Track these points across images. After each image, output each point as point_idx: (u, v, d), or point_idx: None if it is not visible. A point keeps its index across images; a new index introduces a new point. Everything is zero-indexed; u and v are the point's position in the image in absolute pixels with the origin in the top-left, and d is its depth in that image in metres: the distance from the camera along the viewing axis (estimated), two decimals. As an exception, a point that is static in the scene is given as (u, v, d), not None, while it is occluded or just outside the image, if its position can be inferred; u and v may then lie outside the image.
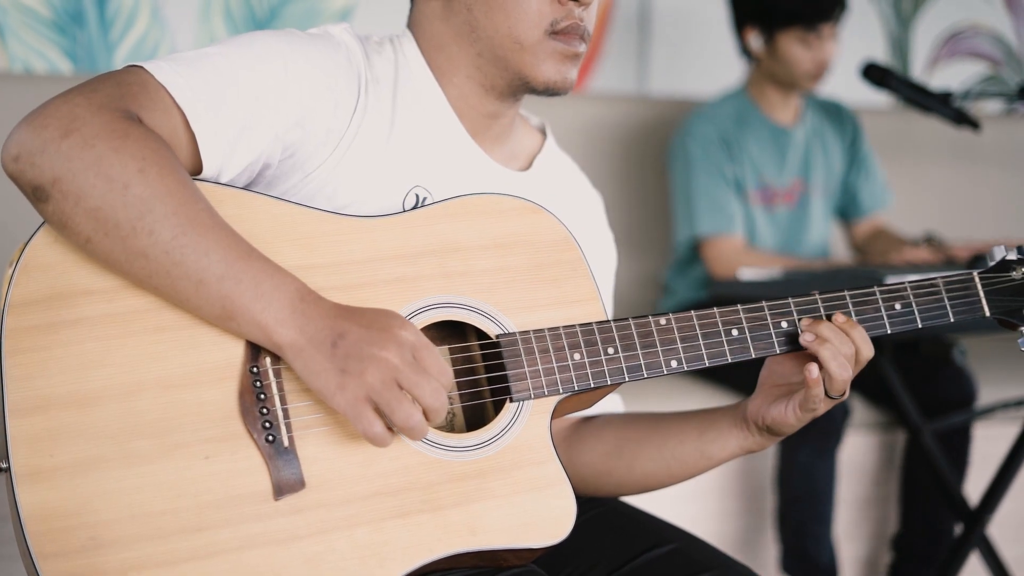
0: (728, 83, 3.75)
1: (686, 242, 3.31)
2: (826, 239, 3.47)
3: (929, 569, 3.02)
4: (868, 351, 1.51)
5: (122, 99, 1.33)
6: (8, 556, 2.31)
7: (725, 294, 2.83)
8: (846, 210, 3.54)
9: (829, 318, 1.52)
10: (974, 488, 3.03)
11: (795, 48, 3.26)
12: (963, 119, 2.99)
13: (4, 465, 1.26)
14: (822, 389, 1.49)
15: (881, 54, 4.12)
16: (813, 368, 1.47)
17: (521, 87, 1.56)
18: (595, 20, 1.58)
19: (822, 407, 1.52)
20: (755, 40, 3.32)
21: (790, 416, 1.53)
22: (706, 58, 3.92)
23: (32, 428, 1.26)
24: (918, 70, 4.21)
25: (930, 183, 4.01)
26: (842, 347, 1.48)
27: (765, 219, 3.34)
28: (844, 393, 1.51)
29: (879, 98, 3.93)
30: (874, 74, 3.13)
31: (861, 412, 3.11)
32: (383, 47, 1.59)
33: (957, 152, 4.00)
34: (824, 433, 2.89)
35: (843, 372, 1.48)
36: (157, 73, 1.37)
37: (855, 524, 3.18)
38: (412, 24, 1.62)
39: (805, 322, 1.50)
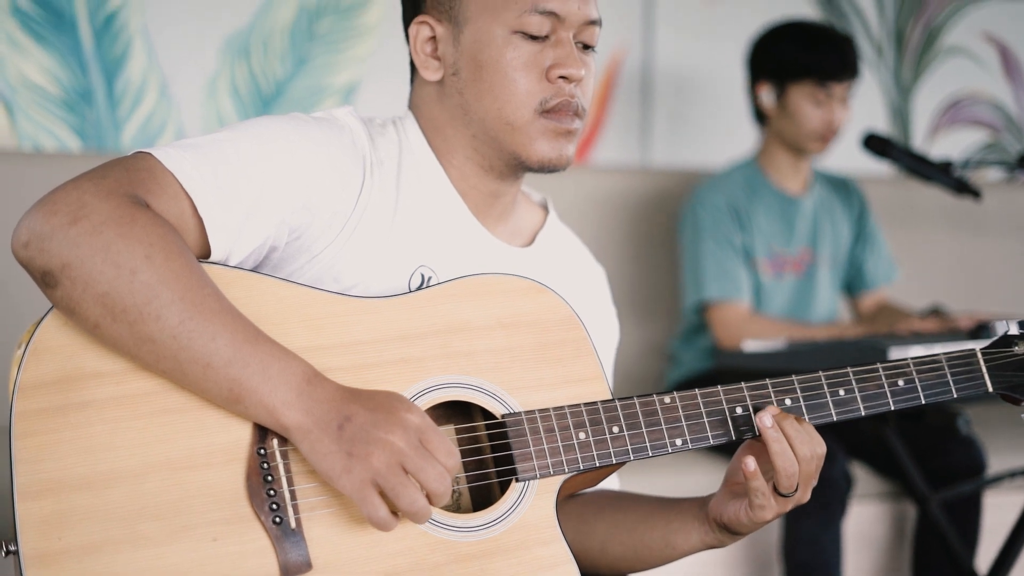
0: (729, 155, 3.78)
1: (693, 307, 3.32)
2: (833, 311, 3.47)
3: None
4: (820, 448, 1.48)
5: (130, 185, 1.35)
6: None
7: (730, 366, 2.84)
8: (852, 284, 3.54)
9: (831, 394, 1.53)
10: (987, 557, 3.01)
11: (805, 104, 3.29)
12: (964, 188, 3.01)
13: (13, 548, 1.27)
14: (762, 482, 1.46)
15: (882, 123, 4.15)
16: (750, 461, 1.45)
17: (518, 166, 1.58)
18: (590, 94, 1.59)
19: (771, 506, 1.48)
20: (767, 95, 3.35)
21: (742, 515, 1.50)
22: (707, 130, 3.95)
23: (41, 511, 1.27)
24: (919, 138, 4.23)
25: (932, 252, 4.02)
26: (801, 446, 1.46)
27: (774, 287, 3.35)
28: (795, 490, 1.48)
29: (881, 167, 3.95)
30: (875, 144, 3.15)
31: (869, 482, 3.09)
32: (386, 129, 1.61)
33: (959, 221, 4.02)
34: (827, 504, 2.88)
35: (790, 468, 1.45)
36: (165, 159, 1.39)
37: (867, 596, 3.16)
38: (412, 106, 1.64)
39: (771, 409, 1.48)
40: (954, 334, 2.83)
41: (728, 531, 1.54)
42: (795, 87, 3.29)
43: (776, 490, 1.48)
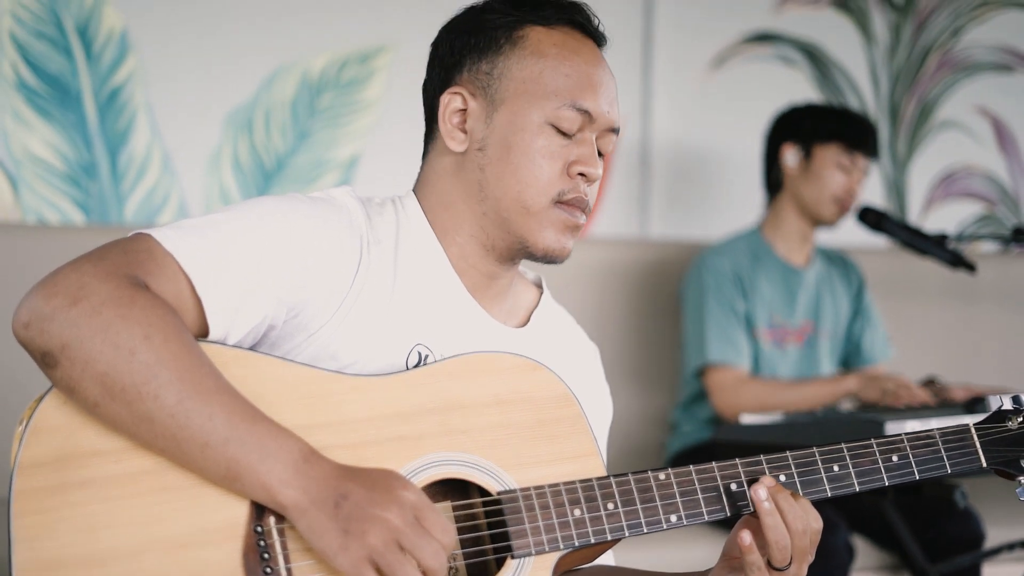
0: (727, 226, 3.81)
1: (694, 371, 3.33)
2: (832, 376, 3.48)
3: None
4: (816, 524, 1.49)
5: (129, 266, 1.37)
6: None
7: (727, 438, 2.85)
8: (848, 359, 3.55)
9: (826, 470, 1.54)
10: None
11: (830, 166, 3.33)
12: (959, 262, 3.04)
13: None
14: (757, 556, 1.47)
15: (878, 196, 4.18)
16: (745, 535, 1.46)
17: (520, 251, 1.61)
18: (596, 195, 1.63)
19: None
20: (792, 156, 3.38)
21: None
22: (703, 203, 3.99)
23: None
24: (915, 211, 4.27)
25: (928, 323, 4.03)
26: (795, 521, 1.46)
27: (776, 356, 3.36)
28: (789, 564, 1.48)
29: (876, 240, 3.98)
30: (870, 218, 3.19)
31: (869, 555, 3.09)
32: (384, 208, 1.63)
33: (954, 293, 4.04)
34: (829, 575, 2.88)
35: (783, 542, 1.46)
36: (163, 240, 1.41)
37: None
38: (420, 183, 1.67)
39: (767, 480, 1.49)
40: (949, 407, 2.84)
41: None
42: (822, 149, 3.35)
43: (771, 565, 1.48)
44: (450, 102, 1.62)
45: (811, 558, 1.50)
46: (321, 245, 1.51)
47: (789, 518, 1.47)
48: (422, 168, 1.68)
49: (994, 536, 3.09)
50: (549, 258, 1.60)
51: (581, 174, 1.59)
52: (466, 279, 1.63)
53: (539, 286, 1.77)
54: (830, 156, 3.34)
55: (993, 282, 4.08)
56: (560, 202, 1.58)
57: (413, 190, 1.67)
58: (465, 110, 1.61)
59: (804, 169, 3.37)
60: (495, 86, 1.60)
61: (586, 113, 1.59)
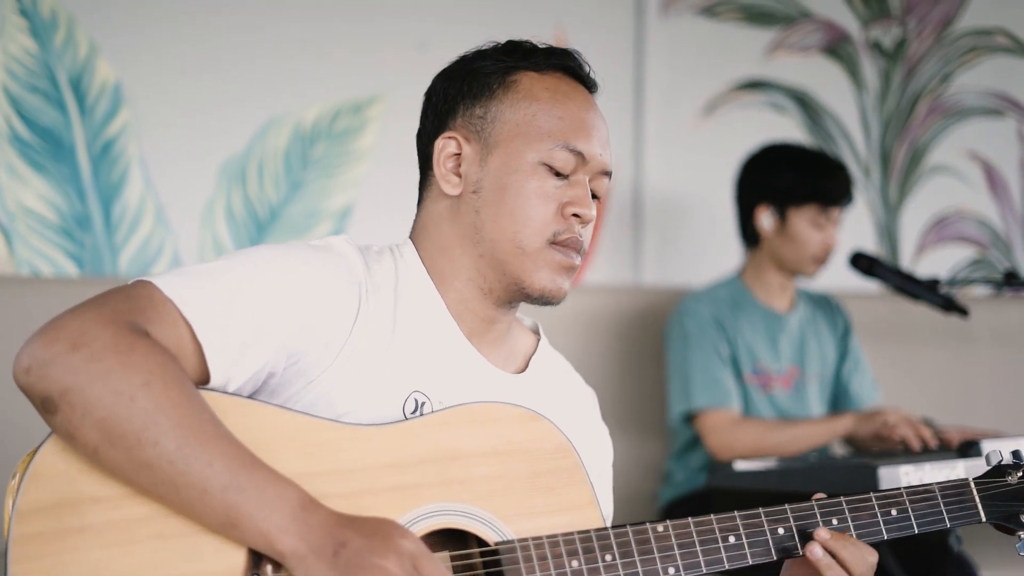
0: (719, 272, 3.82)
1: (679, 417, 3.32)
2: (827, 416, 3.47)
3: None
4: (872, 557, 1.52)
5: (130, 313, 1.38)
6: None
7: (722, 485, 2.84)
8: (837, 402, 3.54)
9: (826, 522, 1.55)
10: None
11: (807, 228, 3.33)
12: (951, 306, 3.05)
13: None
14: None
15: (870, 242, 4.20)
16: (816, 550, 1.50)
17: (516, 293, 1.62)
18: (590, 237, 1.65)
19: None
20: (767, 219, 3.38)
21: None
22: (696, 249, 4.00)
23: None
24: (907, 256, 4.28)
25: (921, 368, 4.04)
26: (857, 566, 1.50)
27: (762, 400, 3.35)
28: None
29: (868, 285, 3.99)
30: (862, 263, 3.20)
31: (864, 600, 3.08)
32: (383, 256, 1.64)
33: (947, 337, 4.04)
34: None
35: None
36: (164, 287, 1.42)
37: None
38: (416, 229, 1.68)
39: (821, 533, 1.51)
40: (943, 451, 2.84)
41: None
42: (797, 212, 3.34)
43: None
44: (444, 147, 1.64)
45: None
46: (320, 292, 1.51)
47: (851, 565, 1.49)
48: (417, 215, 1.69)
49: (989, 580, 3.08)
50: (545, 299, 1.61)
51: (575, 215, 1.60)
52: (464, 324, 1.64)
53: (536, 332, 1.77)
54: (806, 218, 3.33)
55: (986, 325, 4.08)
56: (555, 243, 1.59)
57: (410, 237, 1.68)
58: (459, 154, 1.63)
59: (780, 231, 3.37)
60: (489, 130, 1.61)
61: (579, 155, 1.60)
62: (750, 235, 3.46)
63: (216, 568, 1.35)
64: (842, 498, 1.57)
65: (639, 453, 3.60)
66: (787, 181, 3.37)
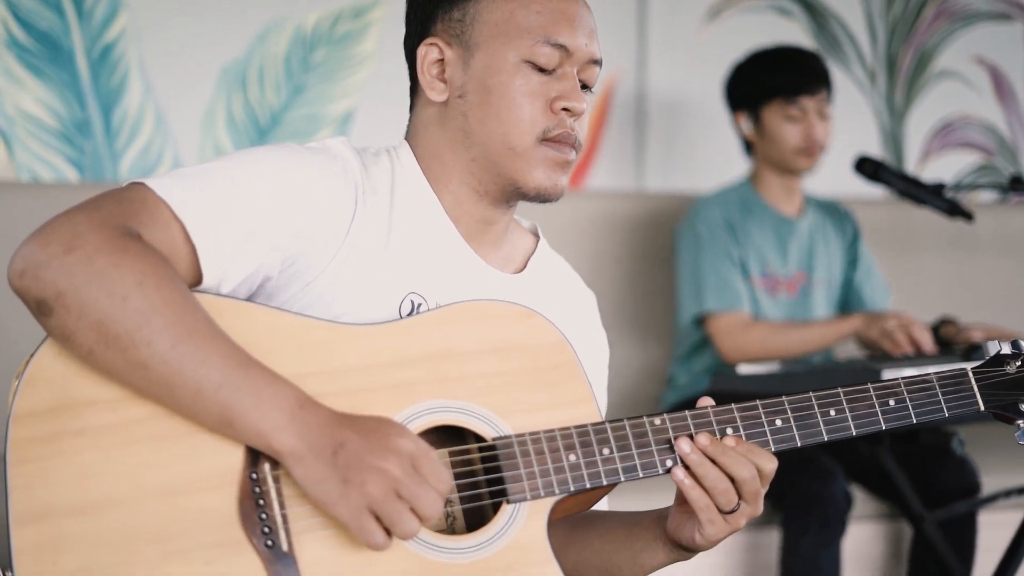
0: (722, 178, 3.80)
1: (691, 319, 3.33)
2: (836, 317, 3.48)
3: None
4: (769, 464, 1.48)
5: (123, 216, 1.37)
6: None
7: (724, 389, 2.85)
8: (848, 307, 3.54)
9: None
10: (981, 577, 3.03)
11: (779, 123, 3.32)
12: (956, 211, 3.03)
13: (10, 574, 1.28)
14: (700, 493, 1.47)
15: (875, 147, 4.17)
16: (677, 471, 1.47)
17: (513, 193, 1.60)
18: (586, 131, 1.62)
19: (720, 523, 1.48)
20: (745, 124, 3.40)
21: (696, 537, 1.51)
22: (699, 155, 3.98)
23: (35, 537, 1.28)
24: (912, 162, 4.26)
25: (926, 274, 4.03)
26: (739, 470, 1.46)
27: (768, 305, 3.36)
28: (736, 506, 1.48)
29: (873, 191, 3.97)
30: (867, 168, 3.18)
31: (865, 503, 3.11)
32: (380, 157, 1.63)
33: (952, 242, 4.03)
34: (827, 523, 2.89)
35: (719, 485, 1.46)
36: (157, 188, 1.41)
37: (865, 616, 3.17)
38: (409, 134, 1.67)
39: (684, 447, 1.47)
40: (948, 355, 2.84)
41: (687, 550, 1.55)
42: (767, 109, 3.34)
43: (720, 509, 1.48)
44: (427, 53, 1.62)
45: (761, 499, 1.50)
46: (316, 194, 1.50)
47: (731, 469, 1.46)
48: (410, 119, 1.68)
49: (989, 484, 3.10)
50: (542, 197, 1.60)
51: (565, 109, 1.57)
52: (461, 226, 1.63)
53: (535, 234, 1.77)
54: (775, 114, 3.33)
55: (991, 231, 4.07)
56: (547, 140, 1.57)
57: (406, 139, 1.67)
58: (443, 60, 1.61)
59: (760, 134, 3.38)
60: (468, 32, 1.59)
61: (562, 48, 1.57)
62: (744, 143, 3.45)
63: (214, 467, 1.35)
64: (839, 389, 1.54)
65: (641, 358, 3.61)
66: (750, 82, 3.38)
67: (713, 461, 1.47)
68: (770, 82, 3.34)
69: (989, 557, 3.01)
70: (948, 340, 3.16)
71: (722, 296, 3.27)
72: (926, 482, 2.99)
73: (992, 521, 3.13)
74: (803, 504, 2.90)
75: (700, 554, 1.60)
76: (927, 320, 3.38)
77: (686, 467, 1.48)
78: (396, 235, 1.57)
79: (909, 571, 3.08)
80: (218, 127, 3.32)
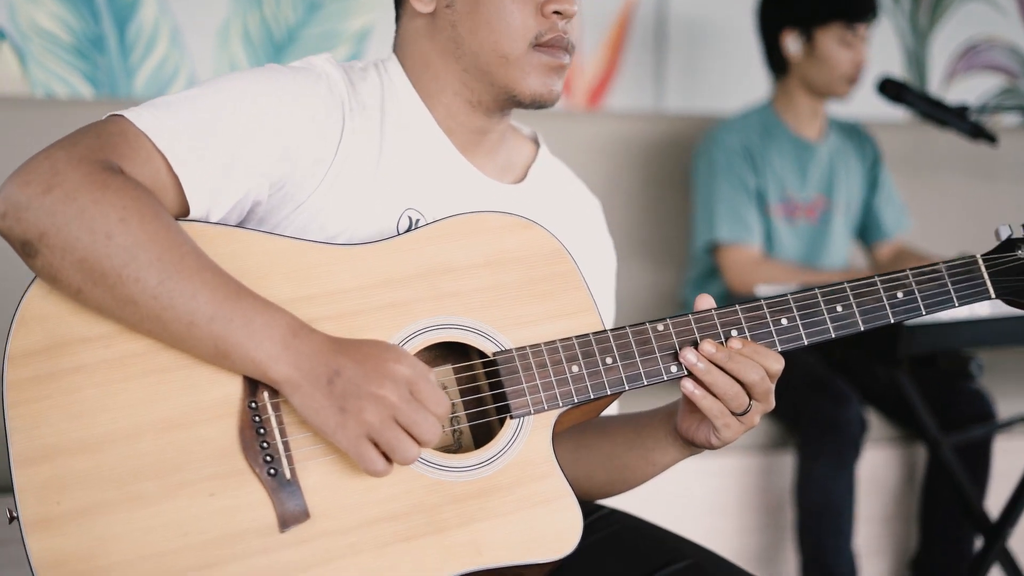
0: (743, 99, 3.76)
1: (704, 247, 3.33)
2: (845, 258, 3.47)
3: (949, 587, 3.02)
4: (776, 364, 1.47)
5: (102, 150, 1.35)
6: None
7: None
8: (867, 232, 3.53)
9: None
10: (994, 504, 3.03)
11: (835, 47, 3.29)
12: (979, 133, 2.99)
13: (15, 514, 1.28)
14: (711, 401, 1.46)
15: (898, 69, 4.12)
16: (686, 382, 1.46)
17: (508, 101, 1.58)
18: (577, 33, 1.59)
19: (734, 425, 1.47)
20: (793, 43, 3.34)
21: (712, 439, 1.50)
22: (721, 76, 3.93)
23: (38, 477, 1.29)
24: (935, 84, 4.21)
25: (948, 197, 4.00)
26: (747, 374, 1.44)
27: (787, 232, 3.35)
28: (748, 409, 1.47)
29: (896, 113, 3.93)
30: (890, 89, 3.14)
31: (880, 427, 3.11)
32: (367, 73, 1.60)
33: (975, 166, 4.00)
34: (842, 447, 2.89)
35: (729, 391, 1.44)
36: (137, 120, 1.39)
37: (878, 540, 3.17)
38: (397, 46, 1.64)
39: (690, 357, 1.46)
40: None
41: (700, 447, 1.54)
42: (823, 31, 3.29)
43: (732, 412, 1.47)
44: None
45: (772, 397, 1.48)
46: (301, 114, 1.48)
47: (739, 374, 1.45)
48: (396, 31, 1.65)
49: (1005, 409, 3.10)
50: (538, 103, 1.57)
51: (556, 12, 1.54)
52: (455, 138, 1.61)
53: (536, 141, 1.74)
54: (833, 36, 3.29)
55: (1014, 155, 4.03)
56: (539, 45, 1.54)
57: (394, 52, 1.64)
58: None
59: (808, 54, 3.33)
60: None
61: None
62: (777, 63, 3.40)
63: (213, 397, 1.34)
64: (845, 283, 1.51)
65: (656, 281, 3.60)
66: (810, 1, 3.30)
67: (720, 368, 1.46)
68: (833, 5, 3.28)
69: (1003, 483, 3.02)
70: None
71: (733, 227, 3.26)
72: (942, 408, 2.99)
73: (1007, 447, 3.14)
74: (818, 428, 2.91)
75: (715, 478, 1.60)
76: (940, 250, 3.36)
77: (694, 378, 1.47)
78: (388, 151, 1.55)
79: (923, 495, 3.08)
80: (233, 43, 3.29)
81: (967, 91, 4.23)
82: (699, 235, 3.34)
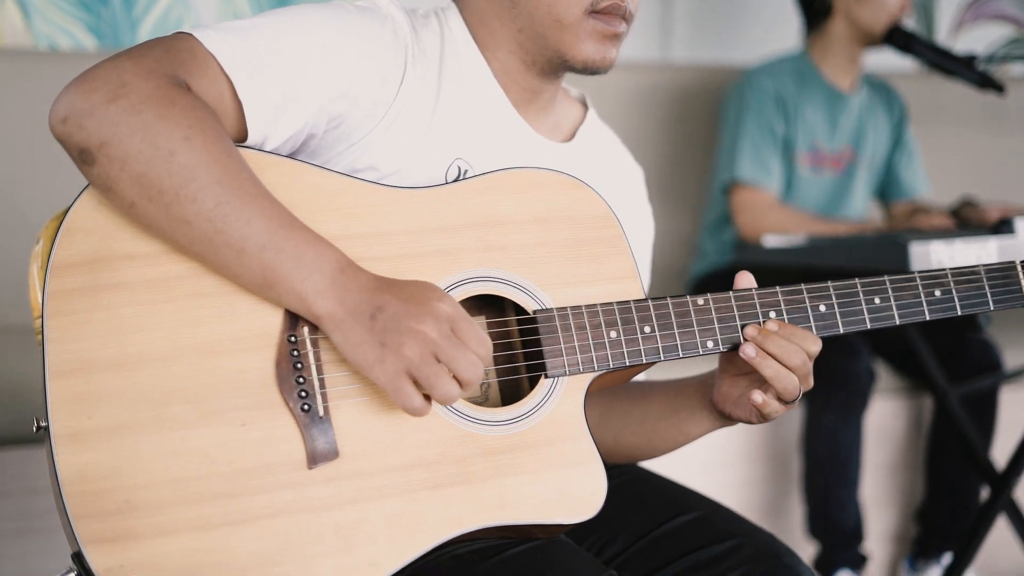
0: (752, 51, 3.74)
1: (722, 186, 3.32)
2: (864, 213, 3.46)
3: (954, 539, 3.02)
4: (814, 347, 1.48)
5: (171, 65, 1.33)
6: (38, 529, 2.34)
7: (750, 261, 2.83)
8: (886, 190, 3.52)
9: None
10: (1000, 454, 3.04)
11: None
12: (987, 83, 2.98)
13: (44, 423, 1.27)
14: (773, 406, 1.48)
15: (906, 18, 4.10)
16: (757, 395, 1.47)
17: (561, 65, 1.57)
18: (636, 2, 1.57)
19: (782, 412, 1.50)
20: None
21: (753, 419, 1.52)
22: (729, 26, 3.91)
23: (71, 390, 1.27)
24: (943, 34, 4.18)
25: (956, 147, 3.99)
26: (790, 358, 1.46)
27: (811, 181, 3.34)
28: (799, 396, 1.49)
29: (903, 63, 3.91)
30: (898, 39, 3.12)
31: (887, 378, 3.11)
32: (429, 20, 1.59)
33: (982, 116, 3.98)
34: (850, 398, 2.90)
35: (788, 384, 1.46)
36: (206, 41, 1.37)
37: (884, 490, 3.19)
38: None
39: (750, 331, 1.48)
40: (976, 228, 2.82)
41: (737, 422, 1.56)
42: None
43: (780, 398, 1.49)
44: None
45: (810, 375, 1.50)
46: (366, 54, 1.47)
47: (786, 359, 1.46)
48: None
49: (1012, 360, 3.10)
50: (591, 70, 1.56)
51: None
52: (510, 94, 1.60)
53: (584, 103, 1.73)
54: None
55: (1022, 105, 4.01)
56: (596, 12, 1.53)
57: (453, 1, 1.63)
58: None
59: None
60: None
61: None
62: (819, 6, 3.35)
63: (252, 327, 1.33)
64: (886, 277, 1.54)
65: (669, 229, 3.59)
66: None
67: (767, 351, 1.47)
68: None
69: (1009, 434, 3.02)
70: (968, 221, 3.14)
71: (754, 168, 3.24)
72: (949, 359, 2.99)
73: (1014, 398, 3.15)
74: (827, 379, 2.90)
75: (722, 429, 1.62)
76: (949, 201, 3.35)
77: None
78: (445, 100, 1.54)
79: (929, 446, 3.09)
80: (237, -5, 3.27)
81: (975, 41, 4.21)
82: (720, 173, 3.33)
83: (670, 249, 3.57)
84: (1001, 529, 3.05)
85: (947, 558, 3.05)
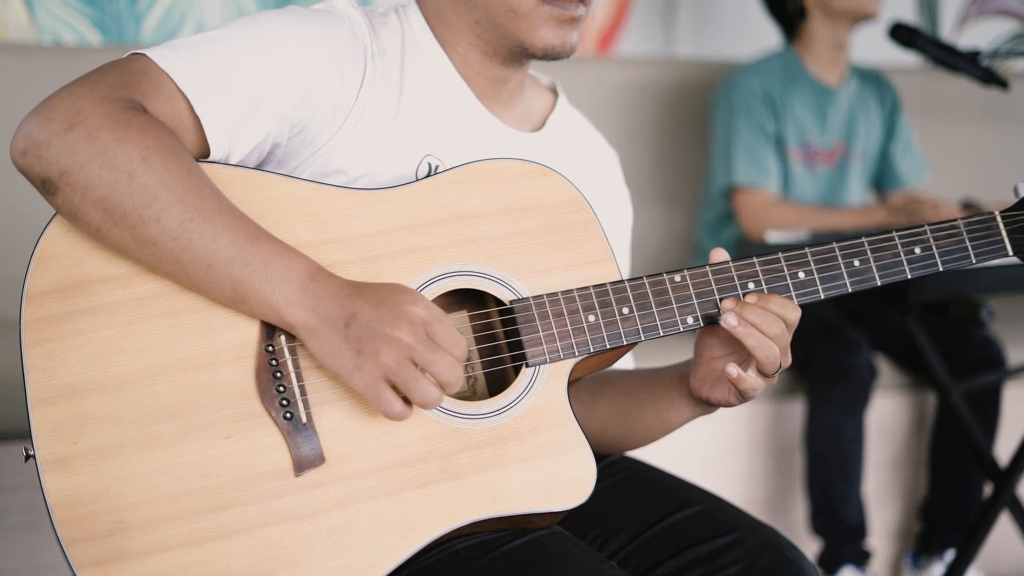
0: (754, 46, 3.74)
1: (720, 190, 3.33)
2: (861, 206, 3.45)
3: (957, 535, 3.02)
4: (794, 314, 1.47)
5: (125, 88, 1.34)
6: (43, 523, 2.34)
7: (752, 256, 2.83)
8: (882, 180, 3.52)
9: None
10: (1003, 450, 3.03)
11: None
12: (991, 78, 2.97)
13: (31, 452, 1.29)
14: (751, 382, 1.47)
15: (910, 14, 4.10)
16: (731, 368, 1.45)
17: (522, 53, 1.56)
18: None
19: (760, 386, 1.48)
20: None
21: (732, 398, 1.50)
22: (732, 21, 3.91)
23: (55, 416, 1.29)
24: (947, 29, 4.18)
25: (959, 143, 3.98)
26: (770, 328, 1.44)
27: (805, 177, 3.34)
28: (779, 368, 1.47)
29: (907, 58, 3.91)
30: (901, 34, 3.11)
31: (890, 374, 3.11)
32: (388, 18, 1.59)
33: (986, 111, 3.97)
34: (852, 393, 2.90)
35: (770, 354, 1.44)
36: (159, 60, 1.38)
37: (887, 487, 3.18)
38: None
39: (727, 304, 1.46)
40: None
41: (716, 406, 1.55)
42: None
43: (761, 371, 1.47)
44: None
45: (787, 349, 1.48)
46: (323, 57, 1.47)
47: (766, 328, 1.44)
48: None
49: (1015, 357, 3.09)
50: (551, 55, 1.55)
51: None
52: (474, 87, 1.60)
53: (554, 91, 1.73)
54: None
55: (1026, 100, 4.01)
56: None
57: None
58: None
59: None
60: None
61: None
62: (791, 14, 3.36)
63: (229, 340, 1.34)
64: (864, 238, 1.51)
65: (667, 226, 3.59)
66: None
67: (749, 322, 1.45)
68: None
69: (1012, 430, 3.02)
70: None
71: (751, 170, 3.25)
72: (952, 355, 2.99)
73: (1017, 394, 3.14)
74: (828, 375, 2.91)
75: (725, 424, 1.61)
76: (948, 196, 3.34)
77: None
78: (408, 97, 1.54)
79: (932, 442, 3.09)
80: (241, -10, 3.27)
81: (979, 36, 4.20)
82: (716, 178, 3.34)
83: (666, 246, 3.58)
84: (1004, 525, 3.05)
85: (950, 554, 3.05)
